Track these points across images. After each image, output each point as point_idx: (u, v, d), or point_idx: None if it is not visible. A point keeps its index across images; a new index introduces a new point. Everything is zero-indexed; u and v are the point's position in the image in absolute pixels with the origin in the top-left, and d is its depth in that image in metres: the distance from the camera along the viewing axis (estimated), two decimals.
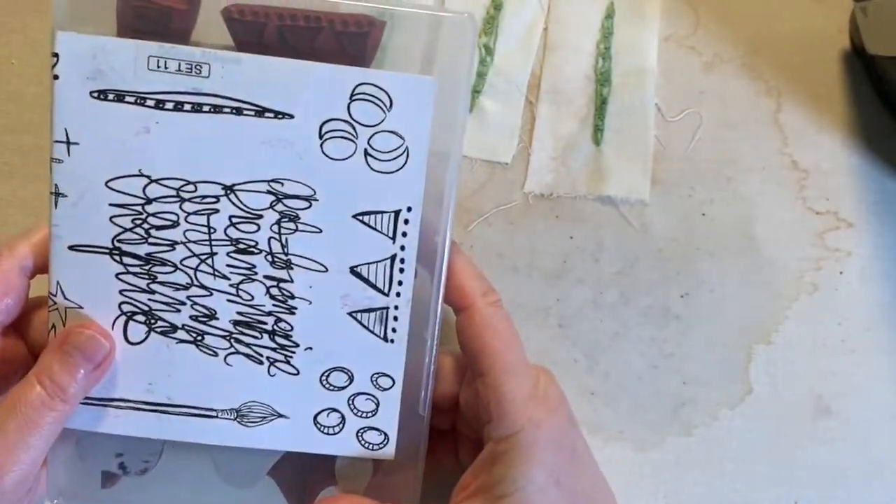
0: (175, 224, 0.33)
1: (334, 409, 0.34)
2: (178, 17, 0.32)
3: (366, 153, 0.32)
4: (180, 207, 0.32)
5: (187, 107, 0.32)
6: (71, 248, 0.32)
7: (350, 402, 0.34)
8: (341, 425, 0.34)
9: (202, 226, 0.33)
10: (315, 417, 0.34)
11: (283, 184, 0.32)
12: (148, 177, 0.32)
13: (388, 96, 0.32)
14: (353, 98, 0.32)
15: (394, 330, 0.34)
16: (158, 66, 0.32)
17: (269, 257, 0.33)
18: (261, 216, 0.33)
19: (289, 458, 0.35)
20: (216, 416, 0.34)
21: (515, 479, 0.30)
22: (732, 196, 0.41)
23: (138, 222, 0.32)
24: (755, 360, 0.41)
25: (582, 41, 0.42)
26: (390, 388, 0.34)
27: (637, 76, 0.42)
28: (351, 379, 0.34)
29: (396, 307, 0.34)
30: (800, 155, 0.42)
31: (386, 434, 0.34)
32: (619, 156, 0.41)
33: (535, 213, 0.42)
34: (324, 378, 0.34)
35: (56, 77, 0.31)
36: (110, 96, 0.32)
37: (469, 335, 0.33)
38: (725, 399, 0.41)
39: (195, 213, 0.33)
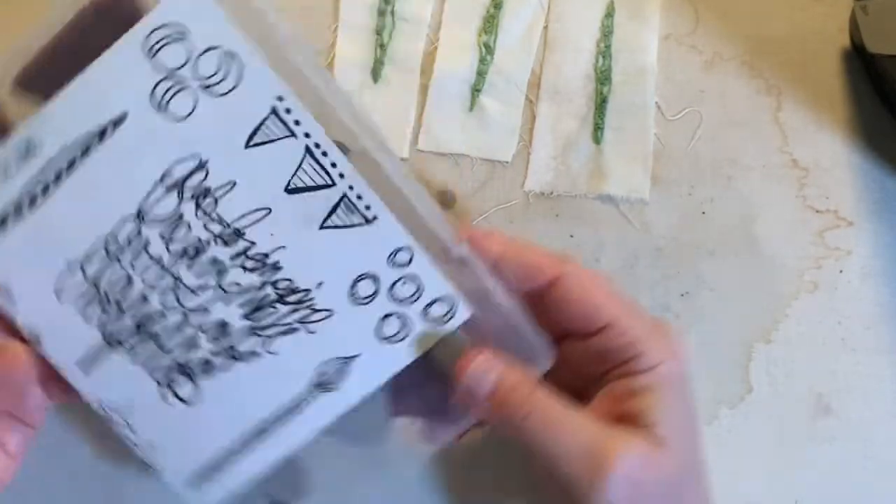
0: (130, 281, 0.31)
1: (386, 315, 0.31)
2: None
3: (203, 90, 0.29)
4: (120, 265, 0.31)
5: (45, 189, 0.30)
6: (77, 363, 0.31)
7: (391, 298, 0.31)
8: (403, 325, 0.31)
9: (150, 263, 0.31)
10: (380, 336, 0.31)
11: (169, 173, 0.30)
12: (76, 261, 0.30)
13: (183, 29, 0.29)
14: (153, 52, 0.29)
15: (367, 207, 0.30)
16: (6, 175, 0.30)
17: (218, 241, 0.31)
18: (181, 214, 0.30)
19: (401, 397, 0.33)
20: (305, 401, 0.32)
21: (663, 409, 0.29)
22: (732, 195, 0.41)
23: (104, 305, 0.31)
24: (755, 358, 0.41)
25: (582, 40, 0.42)
26: (411, 258, 0.31)
27: (637, 75, 0.42)
28: (374, 279, 0.31)
29: (351, 187, 0.30)
30: (800, 153, 0.42)
31: (445, 297, 0.31)
32: (619, 154, 0.41)
33: (535, 212, 0.42)
34: (352, 298, 0.31)
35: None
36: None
37: (577, 296, 0.30)
38: (725, 398, 0.41)
39: (134, 258, 0.31)
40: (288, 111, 0.29)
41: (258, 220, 0.30)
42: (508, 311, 0.31)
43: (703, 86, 0.42)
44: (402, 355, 0.31)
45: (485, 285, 0.30)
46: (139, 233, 0.30)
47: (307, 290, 0.31)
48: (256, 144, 0.29)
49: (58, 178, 0.29)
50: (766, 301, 0.41)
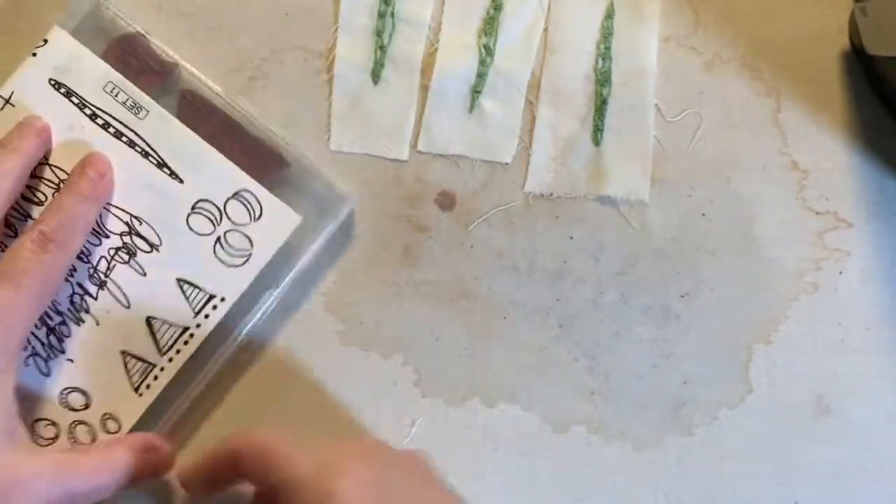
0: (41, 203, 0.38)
1: (52, 423, 0.37)
2: (150, 77, 0.39)
3: (218, 239, 0.38)
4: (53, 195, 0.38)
5: (111, 130, 0.38)
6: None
7: (71, 427, 0.37)
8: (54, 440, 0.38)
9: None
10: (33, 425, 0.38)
11: (141, 223, 0.38)
12: (52, 165, 0.38)
13: (261, 210, 0.38)
14: (235, 196, 0.38)
15: (148, 387, 0.38)
16: (111, 92, 0.39)
17: (91, 269, 0.38)
18: (108, 236, 0.38)
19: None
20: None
21: None
22: (732, 196, 0.41)
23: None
24: (755, 359, 0.41)
25: (582, 41, 0.42)
26: (115, 432, 0.37)
27: (637, 76, 0.42)
28: (87, 405, 0.37)
29: (162, 369, 0.38)
30: (800, 155, 0.42)
31: None
32: (618, 156, 0.41)
33: (535, 214, 0.42)
34: (63, 394, 0.37)
35: (34, 55, 0.38)
36: (62, 90, 0.38)
37: (250, 465, 0.33)
38: (726, 399, 0.41)
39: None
40: (214, 307, 0.38)
41: (117, 299, 0.38)
42: None
43: (702, 87, 0.42)
44: None
45: None
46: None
47: (62, 352, 0.38)
48: (181, 285, 0.38)
49: (119, 135, 0.38)
50: (766, 301, 0.41)
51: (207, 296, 0.38)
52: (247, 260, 0.38)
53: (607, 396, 0.41)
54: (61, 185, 0.38)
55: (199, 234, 0.38)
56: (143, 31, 0.40)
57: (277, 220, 0.38)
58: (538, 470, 0.40)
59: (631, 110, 0.42)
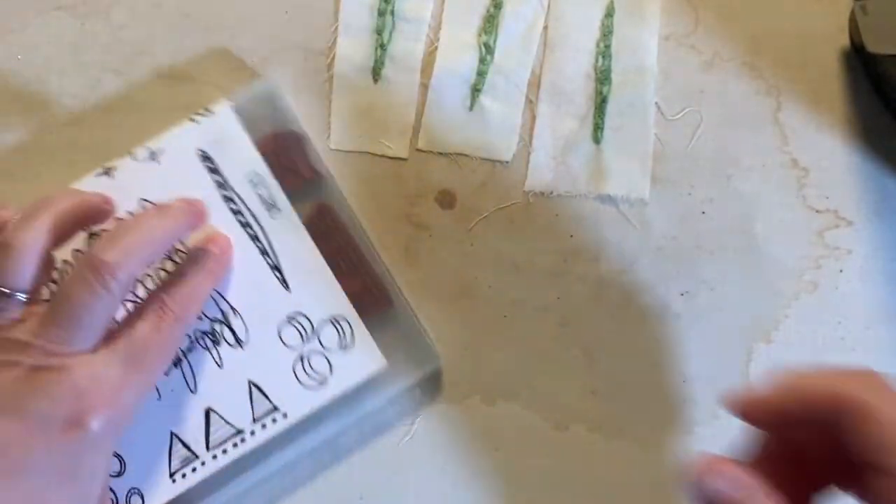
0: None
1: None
2: (294, 180, 0.39)
3: (301, 357, 0.38)
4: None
5: (240, 218, 0.38)
6: None
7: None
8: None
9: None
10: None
11: (236, 316, 0.38)
12: None
13: (352, 342, 0.38)
14: (332, 321, 0.38)
15: (183, 476, 0.37)
16: (252, 182, 0.38)
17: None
18: (201, 318, 0.38)
19: None
20: None
21: None
22: (732, 194, 0.41)
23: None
24: (755, 358, 0.41)
25: (582, 40, 0.42)
26: None
27: (637, 75, 0.42)
28: (120, 473, 0.37)
29: (203, 464, 0.37)
30: (800, 153, 0.42)
31: None
32: (619, 154, 0.41)
33: (535, 212, 0.42)
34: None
35: (192, 120, 0.38)
36: (207, 163, 0.38)
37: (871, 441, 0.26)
38: None
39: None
40: (274, 420, 0.37)
41: (184, 380, 0.37)
42: None
43: (703, 86, 0.42)
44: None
45: None
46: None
47: None
48: (250, 388, 0.38)
49: (245, 224, 0.38)
50: (766, 301, 0.41)
51: (272, 407, 0.37)
52: (321, 385, 0.38)
53: (607, 395, 0.41)
54: (175, 254, 0.37)
55: (285, 345, 0.38)
56: (303, 133, 0.40)
57: (364, 357, 0.38)
58: (538, 468, 0.40)
59: (631, 109, 0.42)
